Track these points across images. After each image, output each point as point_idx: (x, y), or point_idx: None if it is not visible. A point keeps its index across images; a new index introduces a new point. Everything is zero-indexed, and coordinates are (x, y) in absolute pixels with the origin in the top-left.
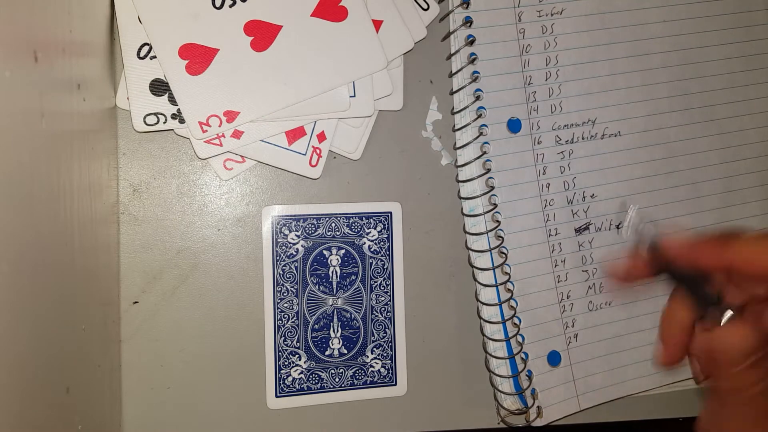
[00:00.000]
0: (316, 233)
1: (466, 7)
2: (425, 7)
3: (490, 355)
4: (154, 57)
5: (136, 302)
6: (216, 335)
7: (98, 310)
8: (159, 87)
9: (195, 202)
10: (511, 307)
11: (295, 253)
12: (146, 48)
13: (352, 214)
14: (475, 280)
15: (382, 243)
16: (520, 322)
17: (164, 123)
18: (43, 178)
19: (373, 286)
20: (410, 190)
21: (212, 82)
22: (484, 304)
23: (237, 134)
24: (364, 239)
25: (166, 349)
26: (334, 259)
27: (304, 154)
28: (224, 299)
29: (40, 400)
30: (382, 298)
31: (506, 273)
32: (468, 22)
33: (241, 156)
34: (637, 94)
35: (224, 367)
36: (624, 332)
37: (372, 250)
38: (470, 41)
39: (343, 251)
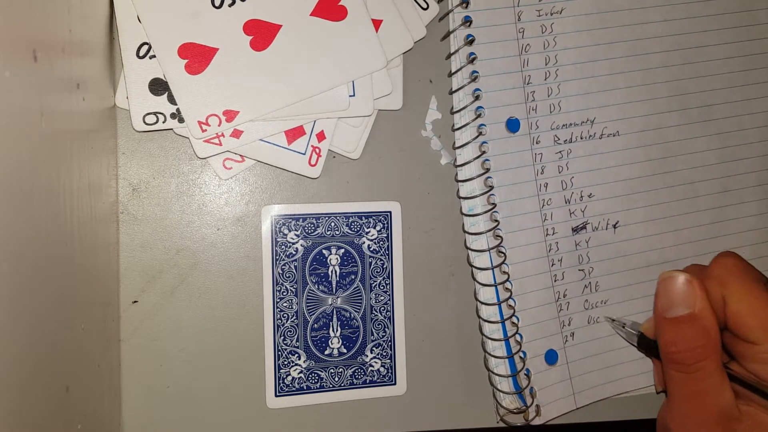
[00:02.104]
0: (316, 232)
1: (466, 7)
2: (425, 6)
3: (489, 354)
4: (154, 56)
5: (135, 302)
6: (215, 334)
7: (98, 310)
8: (158, 86)
9: (194, 202)
10: (510, 306)
11: (294, 253)
12: (145, 47)
13: (352, 213)
14: (474, 279)
15: (381, 242)
16: (518, 321)
17: (163, 122)
18: (42, 178)
19: (373, 285)
20: (410, 189)
21: (211, 82)
22: (483, 303)
23: (236, 133)
24: (364, 239)
25: (165, 348)
26: (334, 259)
27: (304, 154)
28: (224, 298)
29: (39, 399)
30: (382, 298)
31: (505, 272)
32: (467, 21)
33: (241, 155)
34: (637, 93)
35: (224, 367)
36: None
37: (371, 249)
38: (469, 41)
39: (342, 251)
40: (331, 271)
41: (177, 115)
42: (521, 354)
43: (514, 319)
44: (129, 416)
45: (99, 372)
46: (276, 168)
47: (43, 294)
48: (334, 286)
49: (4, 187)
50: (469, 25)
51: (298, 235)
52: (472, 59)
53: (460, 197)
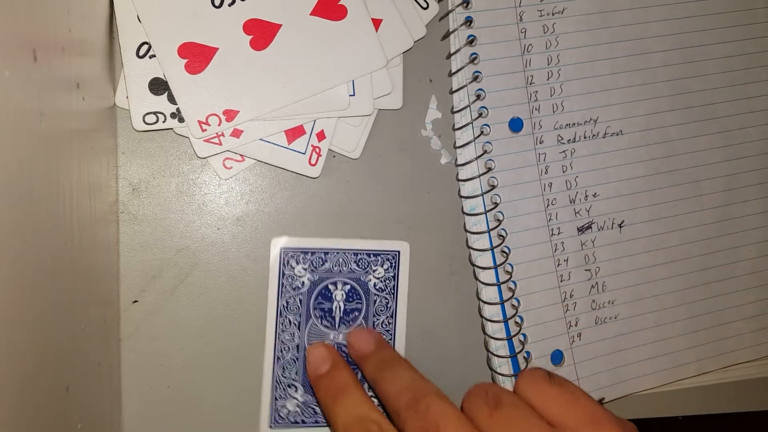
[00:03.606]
0: (323, 267)
1: (467, 7)
2: (425, 6)
3: (492, 354)
4: (154, 56)
5: (135, 301)
6: (216, 334)
7: (98, 310)
8: (158, 86)
9: (194, 201)
10: (513, 306)
11: (300, 286)
12: (145, 47)
13: (360, 250)
14: (477, 278)
15: (387, 281)
16: (522, 321)
17: (163, 122)
18: (42, 178)
19: (376, 323)
20: (410, 188)
21: (211, 81)
22: (485, 302)
23: (236, 133)
24: (370, 276)
25: (165, 348)
26: (339, 294)
27: (304, 153)
28: (224, 298)
29: (39, 399)
30: (384, 336)
31: (508, 272)
32: (468, 21)
33: (241, 155)
34: (639, 92)
35: (224, 366)
36: (627, 330)
37: (377, 287)
38: (471, 41)
39: (348, 287)
40: (336, 306)
41: (177, 115)
42: (524, 354)
43: (518, 319)
44: (129, 416)
45: (99, 372)
46: (276, 167)
47: (43, 294)
48: (337, 321)
49: (3, 187)
50: (471, 25)
51: (305, 269)
52: (473, 59)
53: (461, 196)
